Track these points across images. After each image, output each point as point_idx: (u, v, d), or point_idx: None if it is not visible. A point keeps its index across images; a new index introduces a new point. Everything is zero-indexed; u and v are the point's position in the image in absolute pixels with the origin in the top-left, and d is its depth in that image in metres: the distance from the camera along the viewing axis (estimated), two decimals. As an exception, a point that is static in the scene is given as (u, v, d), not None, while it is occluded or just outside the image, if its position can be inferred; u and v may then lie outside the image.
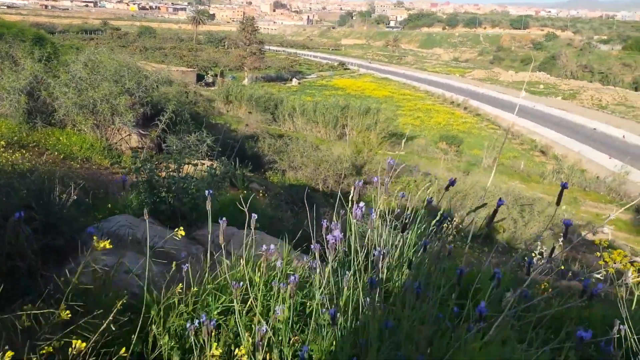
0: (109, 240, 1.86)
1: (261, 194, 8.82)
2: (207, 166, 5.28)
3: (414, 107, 49.98)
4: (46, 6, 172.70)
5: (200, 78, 56.40)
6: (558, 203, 2.13)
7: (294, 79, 64.29)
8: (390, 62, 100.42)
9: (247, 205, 2.35)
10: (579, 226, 19.31)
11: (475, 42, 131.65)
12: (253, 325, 2.00)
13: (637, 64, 77.23)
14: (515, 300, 2.05)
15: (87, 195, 4.78)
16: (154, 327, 1.97)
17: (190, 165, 6.48)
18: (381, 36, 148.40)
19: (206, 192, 2.24)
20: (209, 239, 2.27)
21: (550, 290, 4.23)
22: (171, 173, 4.44)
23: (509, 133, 41.50)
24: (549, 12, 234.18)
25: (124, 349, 1.75)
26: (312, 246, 2.10)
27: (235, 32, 78.17)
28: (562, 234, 5.51)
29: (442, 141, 35.77)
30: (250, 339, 1.78)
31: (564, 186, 2.03)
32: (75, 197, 3.91)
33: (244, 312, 2.05)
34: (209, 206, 2.24)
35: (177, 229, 2.30)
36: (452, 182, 2.18)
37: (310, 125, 33.88)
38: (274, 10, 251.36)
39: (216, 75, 60.13)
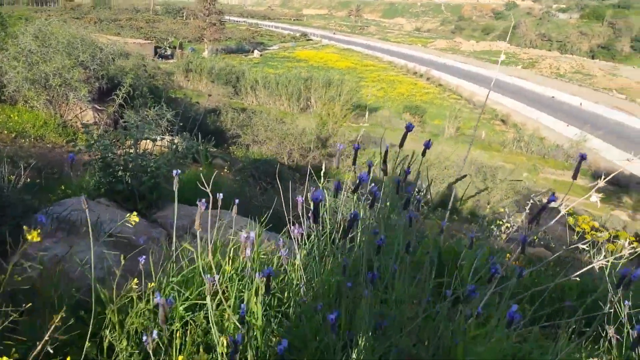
0: (38, 231, 1.64)
1: (226, 170, 8.61)
2: (168, 141, 5.03)
3: (377, 78, 49.84)
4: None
5: (158, 51, 54.75)
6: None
7: (256, 51, 63.14)
8: (353, 33, 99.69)
9: (211, 182, 2.19)
10: (539, 192, 19.73)
11: (436, 12, 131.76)
12: (225, 323, 1.84)
13: (593, 33, 78.74)
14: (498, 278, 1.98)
15: (40, 176, 4.52)
16: (107, 330, 1.73)
17: (149, 141, 6.21)
18: (343, 6, 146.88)
19: (173, 172, 2.04)
20: (174, 223, 2.08)
21: (520, 259, 4.25)
22: (128, 150, 4.17)
23: (470, 102, 41.98)
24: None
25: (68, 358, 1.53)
26: (291, 229, 1.97)
27: (194, 3, 75.99)
28: (527, 203, 5.52)
29: (405, 112, 35.89)
30: (224, 342, 1.58)
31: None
32: (27, 179, 3.68)
33: (213, 306, 1.88)
34: (175, 187, 2.05)
35: (129, 214, 2.12)
36: (427, 146, 2.07)
37: (273, 98, 33.43)
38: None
39: (175, 48, 58.55)
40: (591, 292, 3.12)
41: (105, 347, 1.77)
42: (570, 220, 7.00)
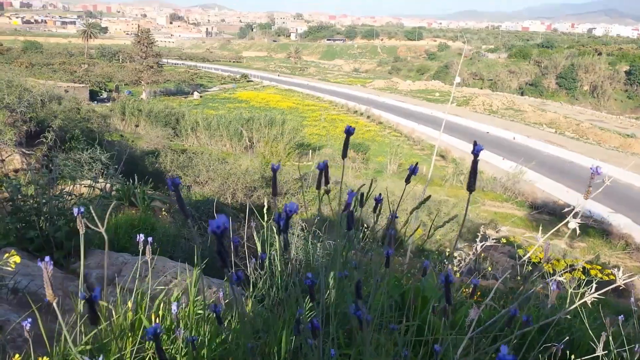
0: None
1: (164, 212, 8.14)
2: (101, 185, 4.57)
3: (318, 117, 50.33)
4: None
5: (93, 94, 53.41)
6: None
7: (195, 92, 62.65)
8: (293, 74, 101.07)
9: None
10: (481, 225, 20.13)
11: (373, 53, 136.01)
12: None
13: (521, 71, 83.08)
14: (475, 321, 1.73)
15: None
16: None
17: (83, 186, 5.74)
18: (282, 48, 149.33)
19: (74, 210, 1.66)
20: (82, 273, 1.72)
21: (479, 293, 4.07)
22: (41, 191, 3.65)
23: (409, 139, 42.96)
24: (440, 23, 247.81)
25: None
26: (230, 274, 1.65)
27: (130, 46, 75.14)
28: (475, 237, 5.38)
29: (350, 149, 36.18)
30: None
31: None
32: None
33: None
34: (81, 230, 1.66)
35: (6, 255, 1.73)
36: (413, 171, 1.87)
37: (215, 139, 33.00)
38: (171, 23, 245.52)
39: (111, 91, 57.32)
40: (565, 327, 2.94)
41: None
42: (521, 251, 6.99)
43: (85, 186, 5.74)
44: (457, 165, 34.97)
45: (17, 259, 1.72)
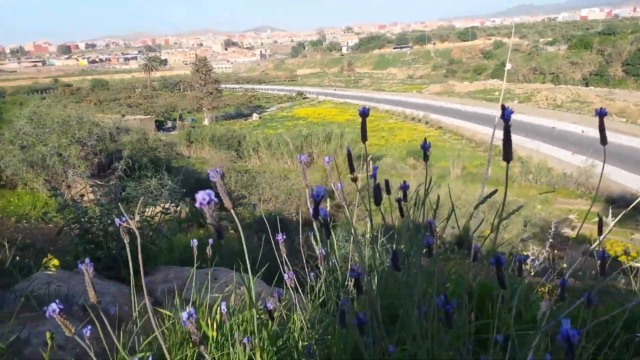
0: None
1: (231, 231, 8.35)
2: (163, 208, 4.74)
3: (376, 127, 50.19)
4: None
5: (159, 125, 55.70)
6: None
7: (254, 114, 64.09)
8: (348, 87, 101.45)
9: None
10: (555, 223, 19.30)
11: (427, 58, 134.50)
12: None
13: (583, 61, 79.75)
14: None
15: (34, 256, 4.27)
16: None
17: (152, 211, 5.97)
18: (335, 62, 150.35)
19: (115, 220, 1.72)
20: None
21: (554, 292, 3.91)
22: (106, 212, 3.83)
23: (472, 141, 42.00)
24: (493, 21, 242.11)
25: None
26: (285, 276, 1.68)
27: (189, 75, 77.91)
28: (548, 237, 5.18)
29: (409, 157, 35.87)
30: None
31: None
32: (16, 259, 3.44)
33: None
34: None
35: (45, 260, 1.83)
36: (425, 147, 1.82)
37: (276, 157, 33.57)
38: (226, 49, 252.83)
39: (175, 120, 59.54)
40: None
41: None
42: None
43: (162, 211, 6.01)
44: (524, 164, 33.85)
45: (56, 262, 1.83)
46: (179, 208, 7.16)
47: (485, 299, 2.43)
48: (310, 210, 1.41)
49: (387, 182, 1.86)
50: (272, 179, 15.34)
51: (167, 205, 6.73)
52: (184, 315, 1.08)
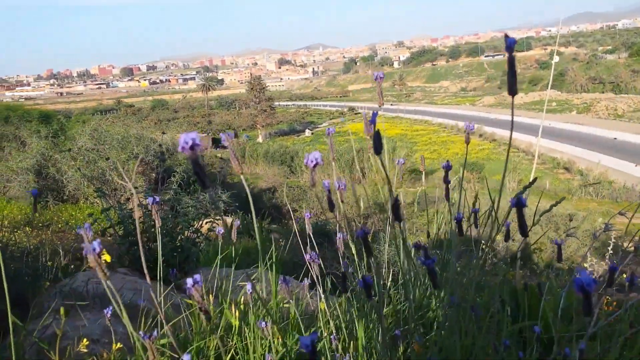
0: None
1: (281, 242, 8.50)
2: (214, 219, 4.94)
3: (428, 141, 49.74)
4: (61, 93, 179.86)
5: (215, 141, 57.13)
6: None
7: (307, 130, 64.81)
8: (399, 101, 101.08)
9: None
10: (616, 237, 18.48)
11: (480, 70, 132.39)
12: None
13: (646, 69, 76.56)
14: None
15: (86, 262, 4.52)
16: None
17: (205, 222, 6.18)
18: (386, 77, 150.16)
19: (149, 199, 1.81)
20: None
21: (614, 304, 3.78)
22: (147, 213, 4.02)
23: (528, 154, 40.89)
24: (549, 30, 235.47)
25: None
26: (306, 257, 1.74)
27: (244, 93, 79.75)
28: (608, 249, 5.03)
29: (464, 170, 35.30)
30: None
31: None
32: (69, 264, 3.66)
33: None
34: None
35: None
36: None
37: (327, 173, 33.74)
38: (279, 67, 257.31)
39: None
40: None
41: None
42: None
43: (208, 222, 6.20)
44: (584, 176, 32.69)
45: (108, 257, 1.95)
46: (231, 219, 7.35)
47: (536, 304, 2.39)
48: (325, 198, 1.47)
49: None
50: (323, 192, 15.45)
51: (218, 217, 6.95)
52: (189, 281, 1.05)
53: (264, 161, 37.16)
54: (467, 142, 1.84)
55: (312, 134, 63.34)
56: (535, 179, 1.84)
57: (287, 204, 14.93)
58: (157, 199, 1.76)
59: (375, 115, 1.36)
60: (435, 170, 36.42)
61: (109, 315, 1.65)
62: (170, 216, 4.11)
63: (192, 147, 0.88)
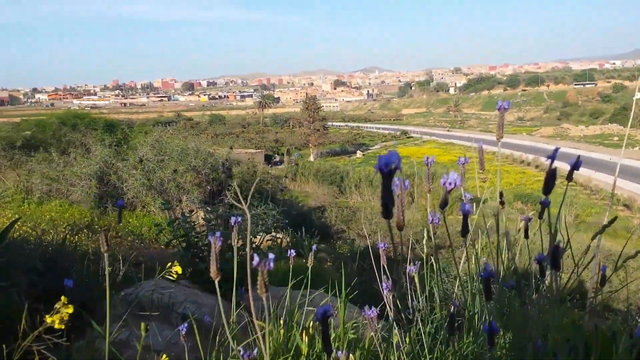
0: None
1: (329, 262, 8.50)
2: (272, 237, 5.02)
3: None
4: (125, 104, 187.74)
5: (268, 158, 58.02)
6: None
7: (358, 151, 64.90)
8: (453, 127, 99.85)
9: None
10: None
11: (539, 100, 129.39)
12: None
13: None
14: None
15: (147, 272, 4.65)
16: None
17: (257, 237, 6.29)
18: (441, 103, 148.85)
19: (210, 237, 1.88)
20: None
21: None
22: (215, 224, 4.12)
23: (586, 188, 39.48)
24: (614, 63, 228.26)
25: None
26: (383, 286, 1.74)
27: (299, 112, 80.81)
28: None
29: (516, 201, 34.43)
30: None
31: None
32: (130, 274, 3.77)
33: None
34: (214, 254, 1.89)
35: (168, 264, 2.00)
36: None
37: (377, 195, 33.61)
38: (335, 89, 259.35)
39: (283, 154, 61.75)
40: None
41: None
42: None
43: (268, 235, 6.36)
44: (646, 214, 31.28)
45: (179, 269, 2.02)
46: (280, 237, 7.44)
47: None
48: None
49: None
50: (372, 214, 15.41)
51: (272, 234, 7.06)
52: (256, 258, 1.00)
53: (314, 180, 37.40)
54: (482, 167, 1.81)
55: (364, 155, 63.36)
56: (615, 218, 1.79)
57: (336, 225, 14.98)
58: (239, 218, 1.83)
59: (556, 150, 1.31)
60: (489, 198, 35.65)
61: (184, 332, 1.71)
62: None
63: (390, 172, 0.75)
